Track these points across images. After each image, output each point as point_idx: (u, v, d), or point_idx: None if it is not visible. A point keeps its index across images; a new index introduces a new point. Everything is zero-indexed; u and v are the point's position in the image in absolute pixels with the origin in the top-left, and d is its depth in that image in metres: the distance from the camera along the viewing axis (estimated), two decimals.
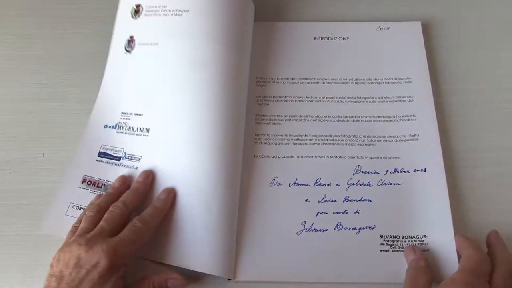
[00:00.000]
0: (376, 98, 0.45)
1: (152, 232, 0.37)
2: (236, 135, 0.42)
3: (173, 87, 0.42)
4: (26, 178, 0.44)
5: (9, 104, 0.47)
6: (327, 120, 0.45)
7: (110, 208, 0.37)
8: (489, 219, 0.40)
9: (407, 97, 0.45)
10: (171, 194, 0.39)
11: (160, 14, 0.45)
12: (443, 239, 0.38)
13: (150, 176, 0.40)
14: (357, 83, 0.46)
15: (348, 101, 0.45)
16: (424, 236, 0.38)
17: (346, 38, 0.49)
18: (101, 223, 0.36)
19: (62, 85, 0.48)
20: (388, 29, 0.49)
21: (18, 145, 0.45)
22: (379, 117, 0.44)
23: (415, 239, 0.38)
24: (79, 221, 0.37)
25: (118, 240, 0.34)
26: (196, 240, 0.38)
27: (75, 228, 0.37)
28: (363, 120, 0.44)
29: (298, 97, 0.46)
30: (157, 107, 0.43)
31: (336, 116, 0.45)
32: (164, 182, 0.40)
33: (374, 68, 0.47)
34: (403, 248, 0.38)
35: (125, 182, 0.40)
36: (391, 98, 0.45)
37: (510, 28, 0.50)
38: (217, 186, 0.39)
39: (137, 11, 0.47)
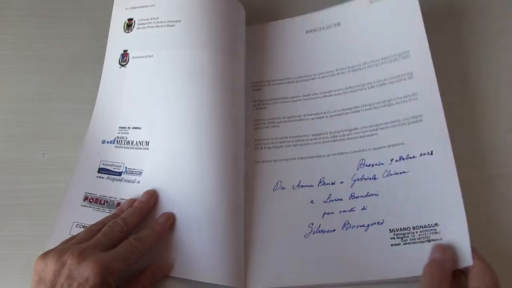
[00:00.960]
0: (374, 82, 0.43)
1: (145, 253, 0.36)
2: (236, 142, 0.42)
3: (170, 98, 0.42)
4: (26, 178, 0.43)
5: (9, 104, 0.47)
6: (326, 117, 0.44)
7: (110, 223, 0.36)
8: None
9: (406, 74, 0.42)
10: (170, 220, 0.38)
11: (152, 26, 0.45)
12: (455, 226, 0.36)
13: (153, 197, 0.39)
14: (354, 71, 0.44)
15: (346, 92, 0.44)
16: (436, 224, 0.36)
17: (338, 24, 0.47)
18: (98, 235, 0.35)
19: (62, 85, 0.48)
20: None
21: (18, 145, 0.45)
22: (379, 102, 0.42)
23: (427, 229, 0.37)
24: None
25: (111, 255, 0.33)
26: (204, 252, 0.37)
27: (71, 238, 0.36)
28: (363, 110, 0.43)
29: (295, 97, 0.45)
30: (155, 119, 0.42)
31: (335, 111, 0.43)
32: (167, 194, 0.39)
33: (369, 50, 0.44)
34: (415, 239, 0.37)
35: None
36: (390, 79, 0.42)
37: None
38: (221, 195, 0.39)
39: (129, 25, 0.46)
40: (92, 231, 0.36)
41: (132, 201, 0.40)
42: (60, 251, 0.33)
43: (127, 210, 0.38)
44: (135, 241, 0.35)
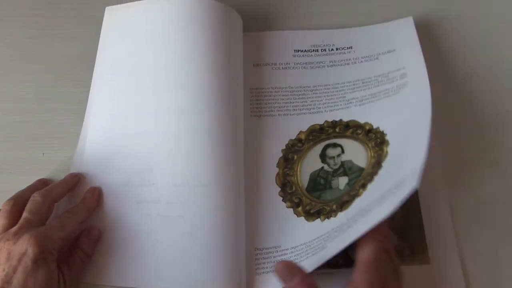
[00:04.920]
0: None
1: (80, 223, 0.37)
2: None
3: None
4: (26, 178, 0.43)
5: (9, 104, 0.47)
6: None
7: (31, 198, 0.36)
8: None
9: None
10: (96, 191, 0.39)
11: None
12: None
13: (77, 176, 0.41)
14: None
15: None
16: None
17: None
18: (25, 214, 0.35)
19: (62, 85, 0.48)
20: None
21: (18, 145, 0.45)
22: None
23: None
24: None
25: (46, 227, 0.34)
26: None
27: None
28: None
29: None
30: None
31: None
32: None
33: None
34: None
35: (46, 183, 0.40)
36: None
37: None
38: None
39: None
40: (8, 212, 0.36)
41: (45, 180, 0.42)
42: None
43: (51, 184, 0.39)
44: (68, 213, 0.37)
